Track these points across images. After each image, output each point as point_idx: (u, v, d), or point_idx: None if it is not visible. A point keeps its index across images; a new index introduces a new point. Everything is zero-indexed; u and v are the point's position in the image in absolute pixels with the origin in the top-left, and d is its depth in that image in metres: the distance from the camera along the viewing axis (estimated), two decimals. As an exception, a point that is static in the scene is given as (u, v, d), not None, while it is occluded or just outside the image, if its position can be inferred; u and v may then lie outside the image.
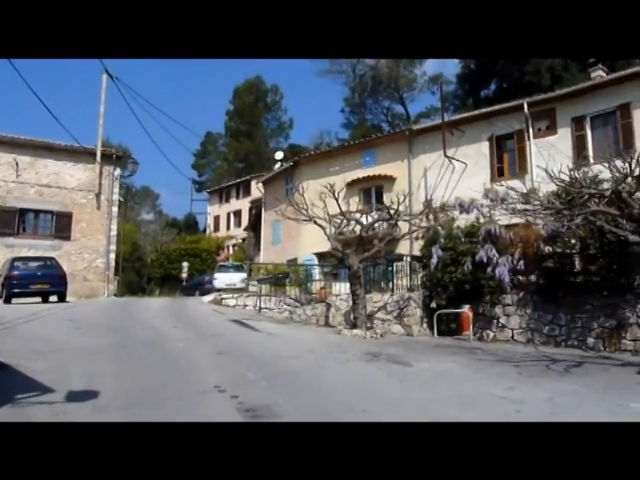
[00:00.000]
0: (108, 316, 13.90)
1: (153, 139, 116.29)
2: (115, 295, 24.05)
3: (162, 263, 39.20)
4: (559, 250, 12.71)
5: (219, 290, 21.15)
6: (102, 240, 23.43)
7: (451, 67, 78.47)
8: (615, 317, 11.72)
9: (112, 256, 23.82)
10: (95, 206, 23.54)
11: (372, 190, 22.75)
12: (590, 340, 12.03)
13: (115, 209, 24.07)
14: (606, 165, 9.75)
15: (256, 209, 32.82)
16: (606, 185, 10.40)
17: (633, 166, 9.07)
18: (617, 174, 9.51)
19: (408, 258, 16.64)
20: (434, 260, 13.92)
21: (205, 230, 50.56)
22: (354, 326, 13.44)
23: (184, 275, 34.50)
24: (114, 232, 23.90)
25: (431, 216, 15.77)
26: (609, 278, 11.86)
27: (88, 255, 23.22)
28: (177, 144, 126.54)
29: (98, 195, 23.63)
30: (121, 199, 25.73)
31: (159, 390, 6.03)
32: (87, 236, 23.20)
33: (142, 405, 5.36)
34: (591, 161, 15.39)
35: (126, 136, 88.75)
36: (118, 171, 24.54)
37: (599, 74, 18.91)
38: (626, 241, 10.37)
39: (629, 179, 9.44)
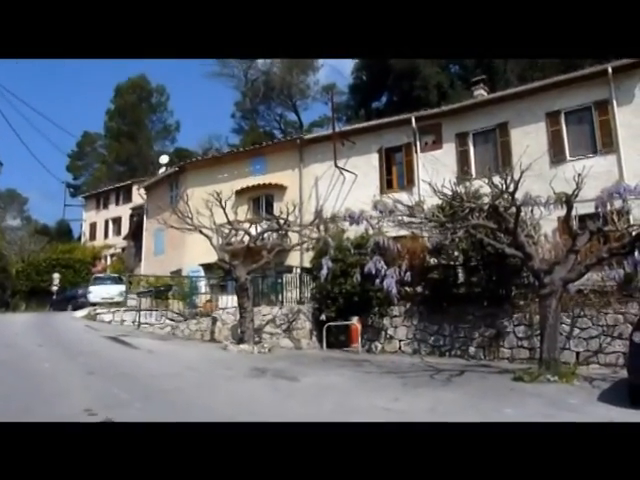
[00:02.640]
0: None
1: (18, 134, 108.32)
2: (-30, 311, 22.09)
3: (30, 275, 36.43)
4: (444, 262, 13.48)
5: (94, 304, 20.17)
6: (-45, 249, 21.64)
7: (345, 77, 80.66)
8: (494, 326, 12.60)
9: (-33, 267, 22.05)
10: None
11: (262, 199, 22.89)
12: (472, 349, 12.83)
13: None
14: (486, 181, 10.46)
15: (137, 216, 31.76)
16: (486, 200, 11.13)
17: (508, 182, 9.80)
18: (495, 190, 10.25)
19: (298, 270, 16.98)
20: (324, 272, 14.04)
21: (80, 238, 47.85)
22: (241, 341, 13.35)
23: (55, 288, 32.37)
24: (-30, 240, 22.20)
25: (322, 227, 15.89)
26: (489, 289, 12.74)
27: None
28: (51, 144, 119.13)
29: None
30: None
31: (20, 417, 5.63)
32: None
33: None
34: (473, 176, 16.41)
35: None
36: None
37: (481, 92, 20.33)
38: (503, 253, 11.13)
39: (505, 195, 10.19)
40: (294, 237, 15.90)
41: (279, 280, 16.70)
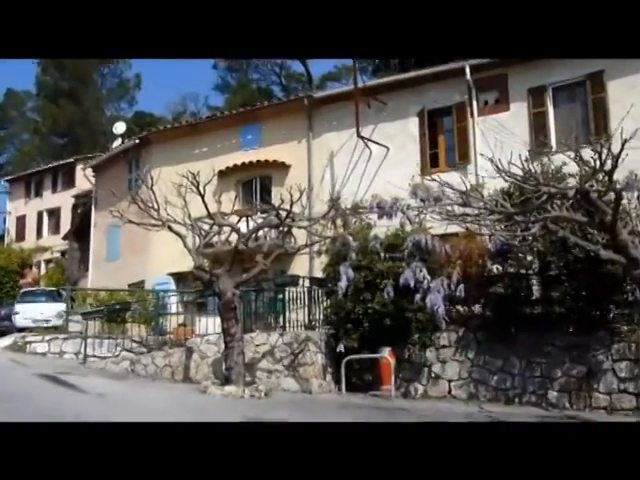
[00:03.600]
0: None
1: None
2: None
3: None
4: (511, 270, 13.27)
5: (22, 330, 20.23)
6: None
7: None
8: (584, 362, 12.40)
9: None
10: None
11: (255, 183, 22.95)
12: (552, 394, 12.66)
13: None
14: (571, 155, 10.23)
15: (83, 208, 31.78)
16: (572, 182, 10.95)
17: (604, 157, 9.43)
18: (585, 168, 10.02)
19: (306, 281, 16.84)
20: (342, 284, 14.15)
21: (2, 238, 48.13)
22: (227, 381, 13.29)
23: (-34, 308, 32.60)
24: None
25: (339, 221, 16.04)
26: (576, 308, 12.50)
27: None
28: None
29: None
30: None
31: None
32: None
33: None
34: (553, 148, 16.25)
35: None
36: None
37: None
38: (597, 258, 10.89)
39: (600, 175, 9.99)
40: (300, 236, 15.86)
41: (280, 295, 16.61)
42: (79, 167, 37.18)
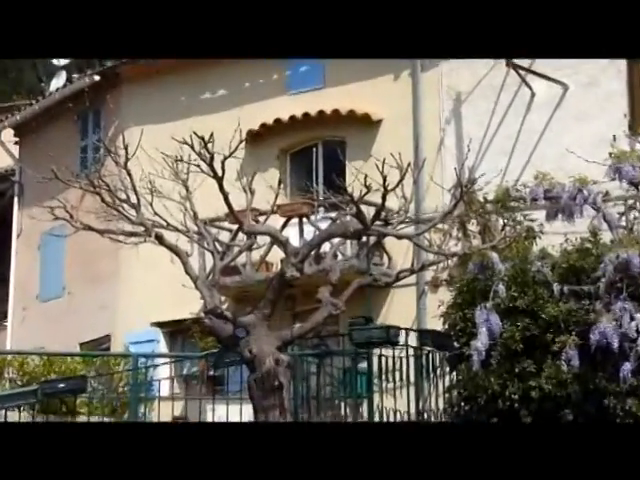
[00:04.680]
0: None
1: None
2: None
3: None
4: None
5: None
6: None
7: None
8: None
9: None
10: None
11: (316, 153, 21.37)
12: None
13: None
14: None
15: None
16: None
17: None
18: None
19: (412, 337, 15.43)
20: (481, 343, 12.85)
21: None
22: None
23: None
24: None
25: (472, 224, 15.01)
26: None
27: None
28: None
29: None
30: None
31: None
32: None
33: None
34: None
35: None
36: None
37: None
38: None
39: None
40: (400, 252, 15.78)
41: (362, 364, 15.34)
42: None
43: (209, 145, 11.61)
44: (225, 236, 13.79)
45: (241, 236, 13.34)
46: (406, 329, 15.33)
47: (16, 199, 26.78)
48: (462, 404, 13.85)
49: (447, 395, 14.39)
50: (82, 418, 17.06)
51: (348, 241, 14.46)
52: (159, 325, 21.62)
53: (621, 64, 18.58)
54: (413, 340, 15.07)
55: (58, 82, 27.13)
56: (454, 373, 14.23)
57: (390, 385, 14.78)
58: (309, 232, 16.16)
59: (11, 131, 27.26)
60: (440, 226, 13.85)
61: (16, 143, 27.16)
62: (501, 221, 14.46)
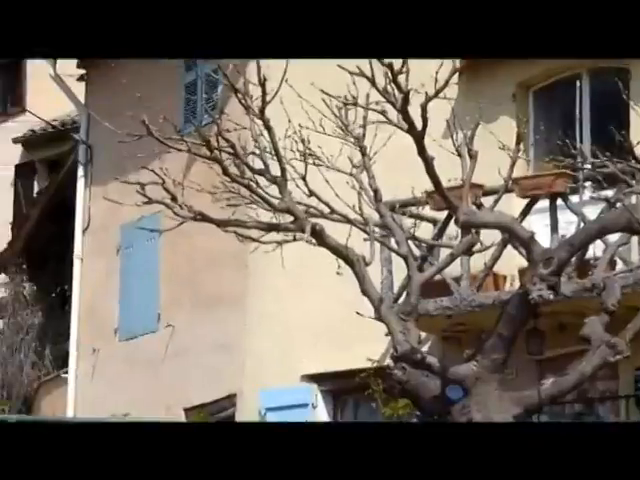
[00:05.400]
0: None
1: None
2: None
3: None
4: None
5: None
6: None
7: None
8: None
9: None
10: None
11: (580, 91, 16.06)
12: None
13: None
14: None
15: (52, 176, 24.84)
16: None
17: None
18: None
19: None
20: None
21: None
22: None
23: None
24: None
25: None
26: None
27: None
28: None
29: None
30: None
31: None
32: None
33: None
34: None
35: None
36: None
37: None
38: None
39: None
40: None
41: None
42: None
43: (400, 78, 9.05)
44: (424, 231, 12.01)
45: (452, 230, 12.37)
46: None
47: (81, 170, 20.51)
48: None
49: None
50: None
51: (634, 239, 12.06)
52: (315, 379, 16.65)
53: None
54: None
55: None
56: None
57: None
58: (567, 223, 13.02)
59: (74, 61, 19.65)
60: None
61: (81, 78, 20.73)
62: None
